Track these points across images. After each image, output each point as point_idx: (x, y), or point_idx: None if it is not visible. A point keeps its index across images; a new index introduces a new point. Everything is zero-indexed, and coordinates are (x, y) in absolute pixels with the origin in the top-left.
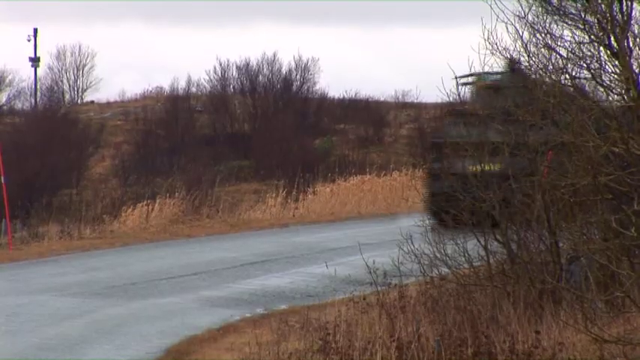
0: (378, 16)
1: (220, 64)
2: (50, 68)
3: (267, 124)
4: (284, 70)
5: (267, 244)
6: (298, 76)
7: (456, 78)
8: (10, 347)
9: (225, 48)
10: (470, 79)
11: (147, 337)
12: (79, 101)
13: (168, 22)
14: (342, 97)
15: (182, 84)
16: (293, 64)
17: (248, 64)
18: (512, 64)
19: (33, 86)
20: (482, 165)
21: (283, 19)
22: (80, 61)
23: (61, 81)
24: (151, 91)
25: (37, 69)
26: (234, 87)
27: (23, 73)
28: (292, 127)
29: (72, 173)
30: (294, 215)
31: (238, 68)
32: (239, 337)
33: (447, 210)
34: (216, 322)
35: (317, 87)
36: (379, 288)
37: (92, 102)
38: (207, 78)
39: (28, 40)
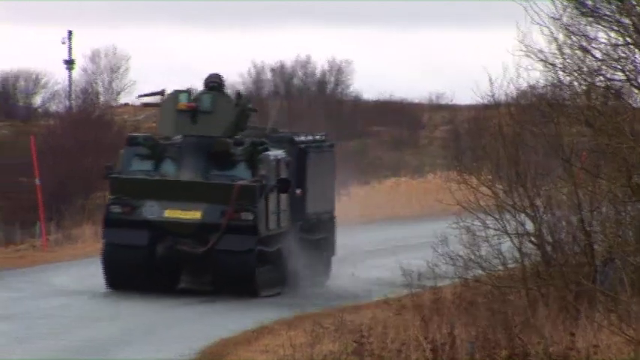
0: (412, 18)
1: (255, 66)
2: (84, 70)
3: (301, 126)
4: (318, 71)
5: None
6: (332, 78)
7: (140, 96)
8: (48, 348)
9: (260, 50)
10: (158, 99)
11: (180, 339)
12: (113, 103)
13: (203, 23)
14: (376, 99)
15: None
16: (327, 66)
17: (282, 66)
18: (213, 81)
19: (67, 89)
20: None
21: (318, 20)
22: (114, 64)
23: (96, 83)
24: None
25: (72, 71)
26: (268, 89)
27: (58, 76)
28: (326, 129)
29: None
30: None
31: (272, 70)
32: (273, 339)
33: None
34: (251, 324)
35: (351, 89)
36: (413, 290)
37: (126, 104)
38: (242, 80)
39: (63, 43)
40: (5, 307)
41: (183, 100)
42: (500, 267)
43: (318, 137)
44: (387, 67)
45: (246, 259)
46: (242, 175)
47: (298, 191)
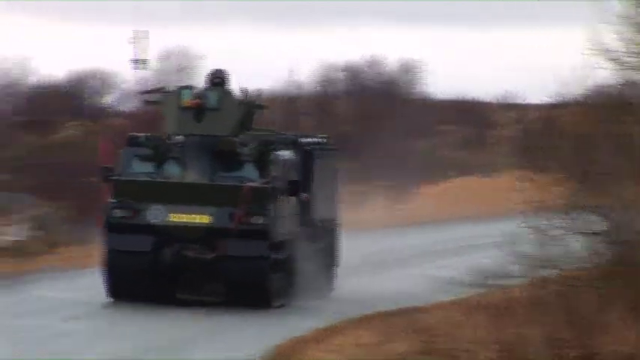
0: (482, 17)
1: (326, 66)
2: (155, 70)
3: (372, 125)
4: (389, 71)
5: (372, 245)
6: (403, 78)
7: (141, 93)
8: (122, 348)
9: (331, 49)
10: (159, 97)
11: (252, 339)
12: None
13: (274, 23)
14: (446, 98)
15: (287, 86)
16: (398, 65)
17: (353, 66)
18: (217, 77)
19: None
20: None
21: (389, 20)
22: (185, 63)
23: (167, 83)
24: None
25: (142, 71)
26: (339, 89)
27: (128, 75)
28: (397, 129)
29: None
30: (398, 216)
31: (344, 70)
32: (343, 339)
33: None
34: (321, 323)
35: (421, 88)
36: (483, 290)
37: None
38: (313, 80)
39: (133, 42)
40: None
41: (186, 97)
42: (570, 266)
43: (320, 140)
44: (458, 66)
45: (258, 266)
46: (250, 176)
47: (304, 196)
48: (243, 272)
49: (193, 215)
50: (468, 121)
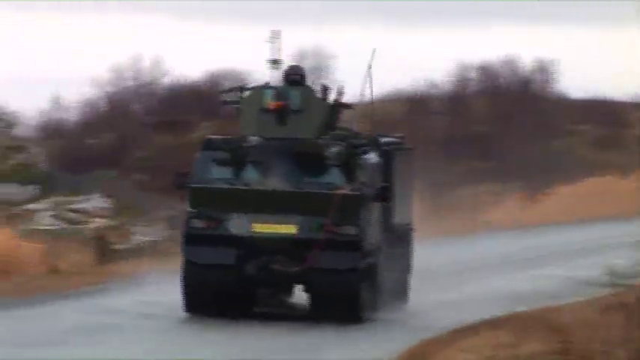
0: (615, 16)
1: (460, 66)
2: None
3: (506, 125)
4: (523, 70)
5: (506, 245)
6: (537, 77)
7: (219, 93)
8: (236, 350)
9: (465, 49)
10: (239, 95)
11: (384, 339)
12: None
13: (408, 22)
14: (581, 97)
15: (421, 85)
16: (532, 65)
17: (487, 65)
18: (295, 74)
19: None
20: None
21: (521, 19)
22: (320, 63)
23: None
24: (390, 93)
25: (277, 71)
26: (473, 88)
27: (263, 75)
28: (531, 128)
29: None
30: (532, 216)
31: (478, 69)
32: (477, 339)
33: None
34: (454, 323)
35: (556, 88)
36: (617, 289)
37: None
38: (447, 79)
39: (269, 42)
40: None
41: (269, 98)
42: None
43: (396, 139)
44: (592, 65)
45: (349, 279)
46: (336, 181)
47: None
48: (333, 285)
49: (278, 225)
50: (603, 120)
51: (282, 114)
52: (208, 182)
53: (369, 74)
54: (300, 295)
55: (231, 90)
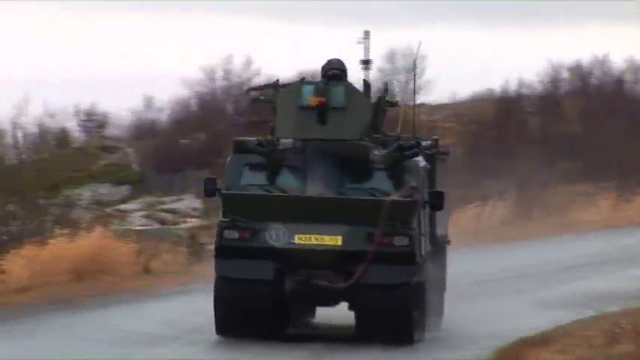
0: None
1: (551, 66)
2: (381, 70)
3: (598, 125)
4: (616, 71)
5: (598, 245)
6: (630, 77)
7: (248, 90)
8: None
9: (557, 49)
10: (271, 93)
11: (475, 339)
12: (409, 104)
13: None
14: None
15: (513, 85)
16: (625, 65)
17: (579, 65)
18: (335, 68)
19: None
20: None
21: (615, 19)
22: (411, 63)
23: (392, 83)
24: (482, 93)
25: (369, 72)
26: (565, 88)
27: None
28: (624, 129)
29: None
30: (625, 217)
31: (569, 69)
32: (570, 340)
33: None
34: (547, 324)
35: None
36: None
37: (423, 104)
38: (538, 79)
39: (359, 43)
40: None
41: (309, 94)
42: None
43: (432, 142)
44: None
45: (401, 295)
46: (383, 187)
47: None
48: (383, 302)
49: (322, 236)
50: None
51: (322, 112)
52: (241, 188)
53: (414, 69)
54: (323, 315)
55: (264, 87)
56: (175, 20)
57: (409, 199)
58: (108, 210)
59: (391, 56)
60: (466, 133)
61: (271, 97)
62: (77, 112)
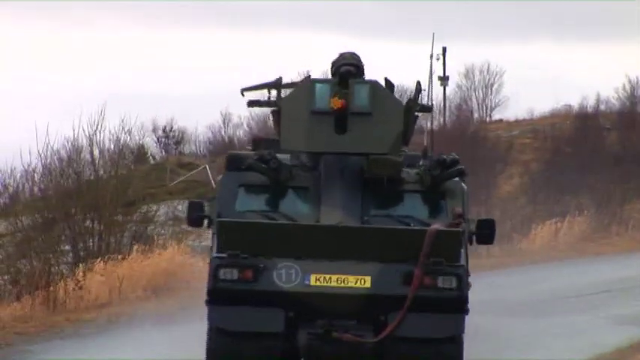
0: None
1: (630, 81)
2: (459, 87)
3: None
4: None
5: None
6: None
7: (243, 90)
8: None
9: (634, 64)
10: (267, 95)
11: (552, 355)
12: (487, 119)
13: (575, 39)
14: None
15: (591, 101)
16: None
17: None
18: (349, 63)
19: (442, 105)
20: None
21: None
22: (489, 80)
23: (470, 99)
24: (559, 109)
25: (446, 88)
26: None
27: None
28: None
29: (481, 191)
30: None
31: None
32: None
33: None
34: (625, 340)
35: None
36: None
37: (500, 120)
38: (617, 95)
39: (437, 59)
40: None
41: (324, 95)
42: None
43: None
44: None
45: (447, 354)
46: (418, 214)
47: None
48: None
49: (346, 276)
50: None
51: (341, 118)
52: (236, 215)
53: (430, 68)
54: None
55: (260, 86)
56: (257, 35)
57: (457, 229)
58: (184, 226)
59: (469, 72)
60: (545, 150)
61: (274, 99)
62: (155, 129)
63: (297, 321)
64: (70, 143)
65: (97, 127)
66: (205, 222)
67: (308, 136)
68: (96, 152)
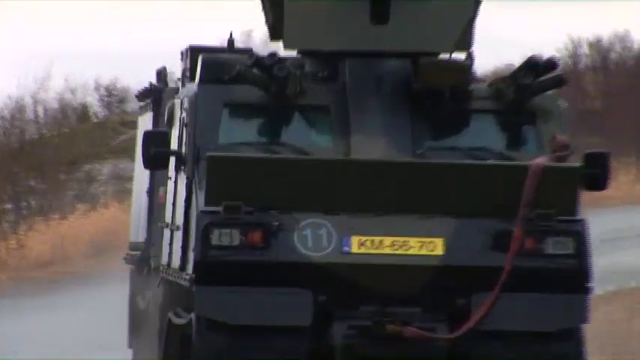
0: None
1: (572, 41)
2: None
3: (619, 101)
4: (637, 46)
5: (618, 220)
6: None
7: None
8: None
9: (576, 24)
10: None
11: None
12: None
13: None
14: None
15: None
16: None
17: (599, 41)
18: None
19: None
20: None
21: None
22: None
23: None
24: (502, 68)
25: None
26: (585, 64)
27: None
28: None
29: None
30: None
31: (590, 45)
32: (594, 314)
33: None
34: None
35: None
36: None
37: None
38: (559, 55)
39: None
40: None
41: None
42: None
43: None
44: None
45: (563, 355)
46: (497, 145)
47: None
48: None
49: (406, 238)
50: None
51: (381, 1)
52: (222, 149)
53: None
54: None
55: None
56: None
57: (575, 164)
58: (126, 185)
59: None
60: None
61: None
62: (98, 87)
63: (331, 308)
64: (13, 101)
65: (41, 86)
66: (172, 161)
67: (331, 29)
68: (40, 111)
